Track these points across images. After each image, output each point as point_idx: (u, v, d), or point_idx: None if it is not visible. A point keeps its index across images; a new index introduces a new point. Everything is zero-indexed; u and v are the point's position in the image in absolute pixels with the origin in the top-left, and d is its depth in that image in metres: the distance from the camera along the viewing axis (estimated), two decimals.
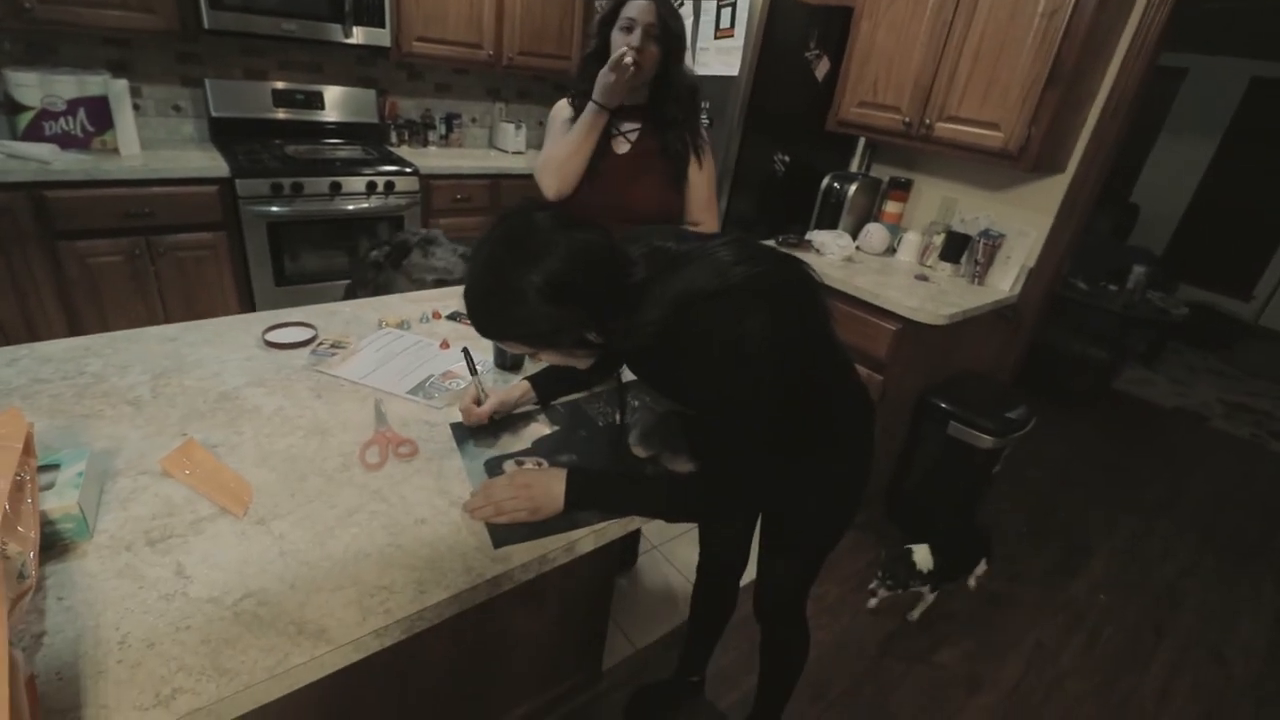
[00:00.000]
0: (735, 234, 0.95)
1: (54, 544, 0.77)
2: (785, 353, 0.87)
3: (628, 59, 1.37)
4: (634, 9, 1.39)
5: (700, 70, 2.48)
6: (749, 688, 1.70)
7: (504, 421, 1.13)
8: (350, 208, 2.74)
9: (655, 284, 0.86)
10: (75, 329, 2.32)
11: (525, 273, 0.78)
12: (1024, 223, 2.36)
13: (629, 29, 1.40)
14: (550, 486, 0.93)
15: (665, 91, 1.49)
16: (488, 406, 1.09)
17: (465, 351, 1.15)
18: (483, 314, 0.84)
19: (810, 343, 0.95)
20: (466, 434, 1.09)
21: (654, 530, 2.25)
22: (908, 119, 2.34)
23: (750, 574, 1.41)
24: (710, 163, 1.59)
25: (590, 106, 1.46)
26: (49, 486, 0.79)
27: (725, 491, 0.96)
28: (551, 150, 1.54)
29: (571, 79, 1.57)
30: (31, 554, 0.69)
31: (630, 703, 1.68)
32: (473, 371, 1.05)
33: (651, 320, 0.85)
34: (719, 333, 0.84)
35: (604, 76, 1.41)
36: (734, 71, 2.36)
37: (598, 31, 1.47)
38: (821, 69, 2.54)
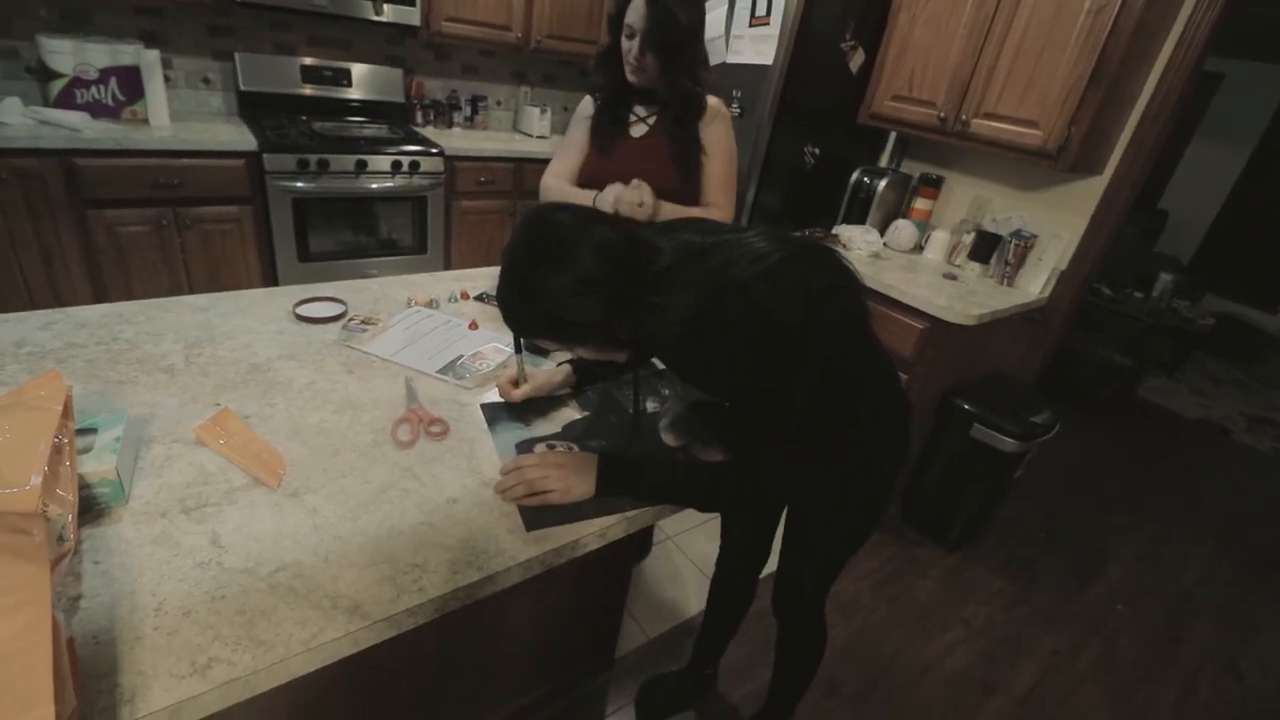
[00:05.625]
0: (766, 225, 0.93)
1: (90, 508, 0.77)
2: (819, 342, 0.86)
3: (623, 206, 1.41)
4: (633, 13, 1.38)
5: (733, 59, 2.45)
6: (761, 682, 1.70)
7: (535, 404, 1.12)
8: (374, 186, 2.73)
9: (682, 273, 0.85)
10: (100, 296, 2.33)
11: (553, 274, 0.79)
12: (1057, 224, 2.32)
13: (630, 35, 1.39)
14: (583, 469, 0.92)
15: (669, 95, 1.49)
16: (524, 390, 1.09)
17: None
18: (515, 315, 0.86)
19: (845, 333, 0.93)
20: (498, 415, 1.08)
21: (669, 520, 2.24)
22: (943, 114, 2.30)
23: (770, 567, 1.40)
24: (721, 158, 1.56)
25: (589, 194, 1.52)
26: (86, 450, 0.79)
27: (756, 483, 0.95)
28: (556, 183, 1.61)
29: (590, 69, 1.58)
30: (70, 517, 0.69)
31: (641, 693, 1.68)
32: (518, 349, 1.05)
33: (682, 309, 0.84)
34: (753, 320, 0.83)
35: (601, 199, 1.46)
36: (768, 60, 2.32)
37: (609, 29, 1.47)
38: (856, 61, 2.50)
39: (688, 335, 0.85)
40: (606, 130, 1.55)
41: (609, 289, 0.80)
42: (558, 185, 1.61)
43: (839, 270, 0.91)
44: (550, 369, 1.17)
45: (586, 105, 1.60)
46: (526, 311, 0.84)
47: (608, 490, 0.93)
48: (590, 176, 1.57)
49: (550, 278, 0.79)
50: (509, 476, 0.91)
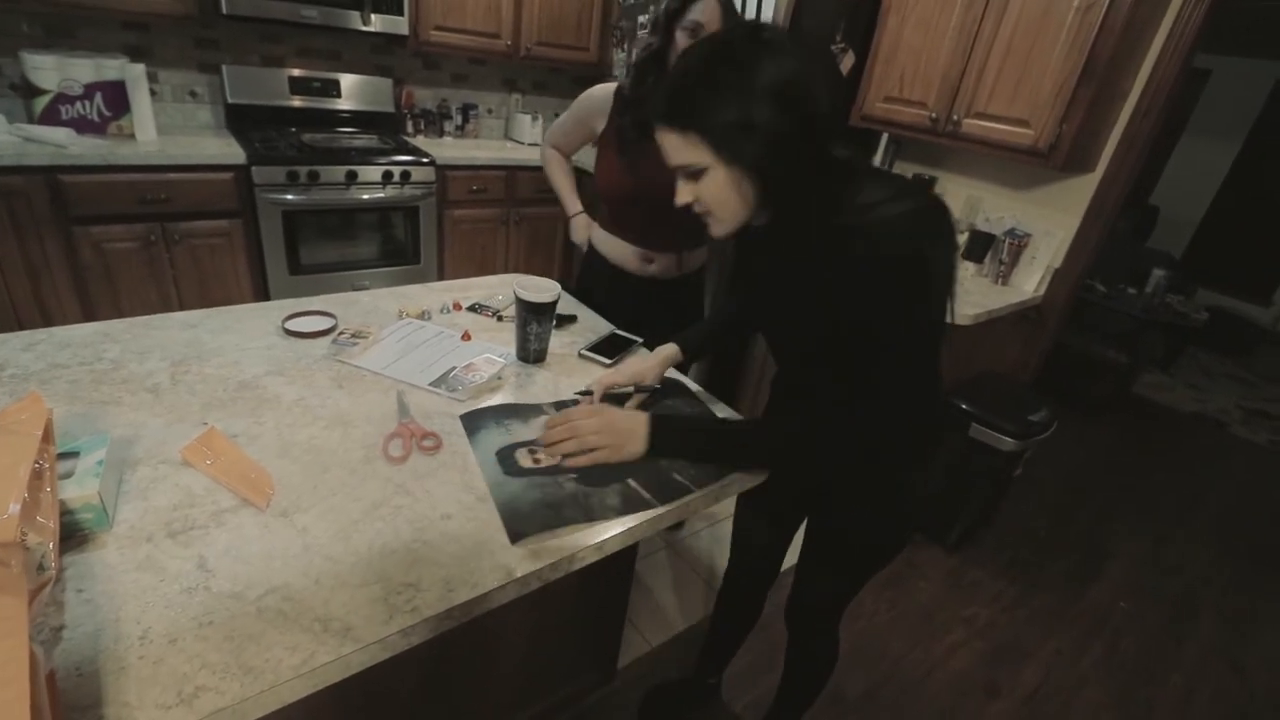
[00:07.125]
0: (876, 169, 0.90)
1: (72, 534, 0.75)
2: (933, 293, 0.82)
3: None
4: (702, 11, 1.35)
5: None
6: (765, 689, 1.68)
7: (514, 412, 1.10)
8: (365, 197, 2.72)
9: (860, 177, 0.82)
10: (89, 314, 2.31)
11: (762, 58, 0.75)
12: (1050, 223, 2.32)
13: (694, 31, 1.36)
14: (633, 427, 0.89)
15: None
16: (619, 375, 1.14)
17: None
18: (694, 85, 0.78)
19: (943, 294, 0.87)
20: (477, 424, 1.05)
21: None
22: (934, 115, 2.30)
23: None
24: None
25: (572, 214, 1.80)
26: (68, 475, 0.77)
27: (806, 439, 0.92)
28: (557, 157, 1.81)
29: (621, 81, 1.57)
30: (51, 545, 0.67)
31: (644, 702, 1.65)
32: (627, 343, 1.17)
33: (849, 208, 0.79)
34: (891, 252, 0.78)
35: (577, 235, 1.77)
36: None
37: (664, 27, 1.41)
38: (846, 63, 2.50)
39: (824, 237, 0.81)
40: (634, 145, 1.47)
41: (795, 124, 0.75)
42: (558, 159, 1.78)
43: (953, 234, 0.87)
44: (644, 355, 1.19)
45: (604, 100, 1.55)
46: (709, 83, 0.76)
47: (659, 449, 0.90)
48: (616, 186, 1.54)
49: (757, 59, 0.74)
50: (558, 429, 0.87)
